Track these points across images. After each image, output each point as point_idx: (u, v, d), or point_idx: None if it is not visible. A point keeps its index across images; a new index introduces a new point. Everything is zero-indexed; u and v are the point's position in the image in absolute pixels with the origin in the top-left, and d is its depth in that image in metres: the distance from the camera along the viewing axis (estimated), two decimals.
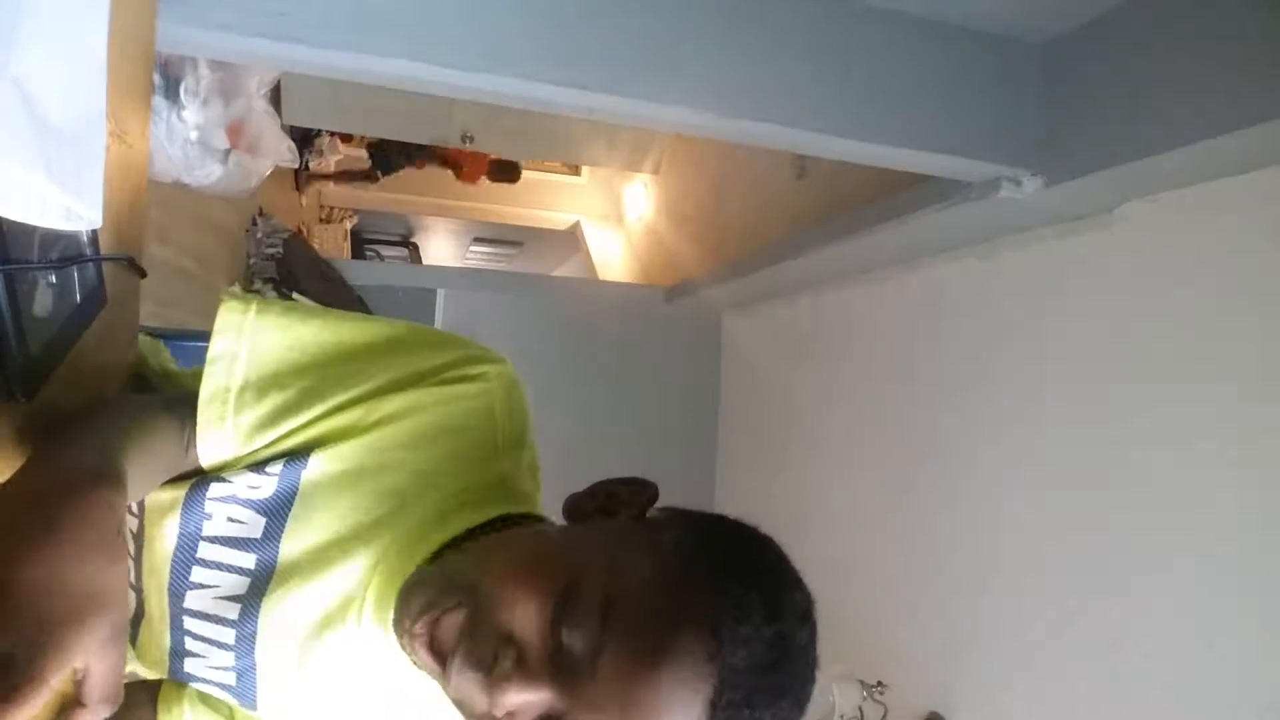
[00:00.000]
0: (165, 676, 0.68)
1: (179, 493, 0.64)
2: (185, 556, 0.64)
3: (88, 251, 0.58)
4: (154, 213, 0.73)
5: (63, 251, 0.55)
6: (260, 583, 0.63)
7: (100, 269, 0.61)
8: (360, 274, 4.13)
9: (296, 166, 4.22)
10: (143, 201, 0.72)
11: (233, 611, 0.63)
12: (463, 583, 0.54)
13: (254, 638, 0.63)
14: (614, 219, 5.94)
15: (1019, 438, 2.33)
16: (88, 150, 0.53)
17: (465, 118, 4.63)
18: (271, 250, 3.61)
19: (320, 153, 5.15)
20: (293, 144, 2.95)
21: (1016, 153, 1.91)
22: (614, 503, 0.61)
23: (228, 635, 0.64)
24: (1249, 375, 1.74)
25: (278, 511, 0.62)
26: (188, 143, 2.35)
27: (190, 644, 0.65)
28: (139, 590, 0.67)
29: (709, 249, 4.25)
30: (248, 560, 0.63)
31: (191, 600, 0.64)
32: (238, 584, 0.63)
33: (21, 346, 0.49)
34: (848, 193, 2.81)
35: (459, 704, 0.52)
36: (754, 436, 3.99)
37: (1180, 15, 1.61)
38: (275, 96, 3.87)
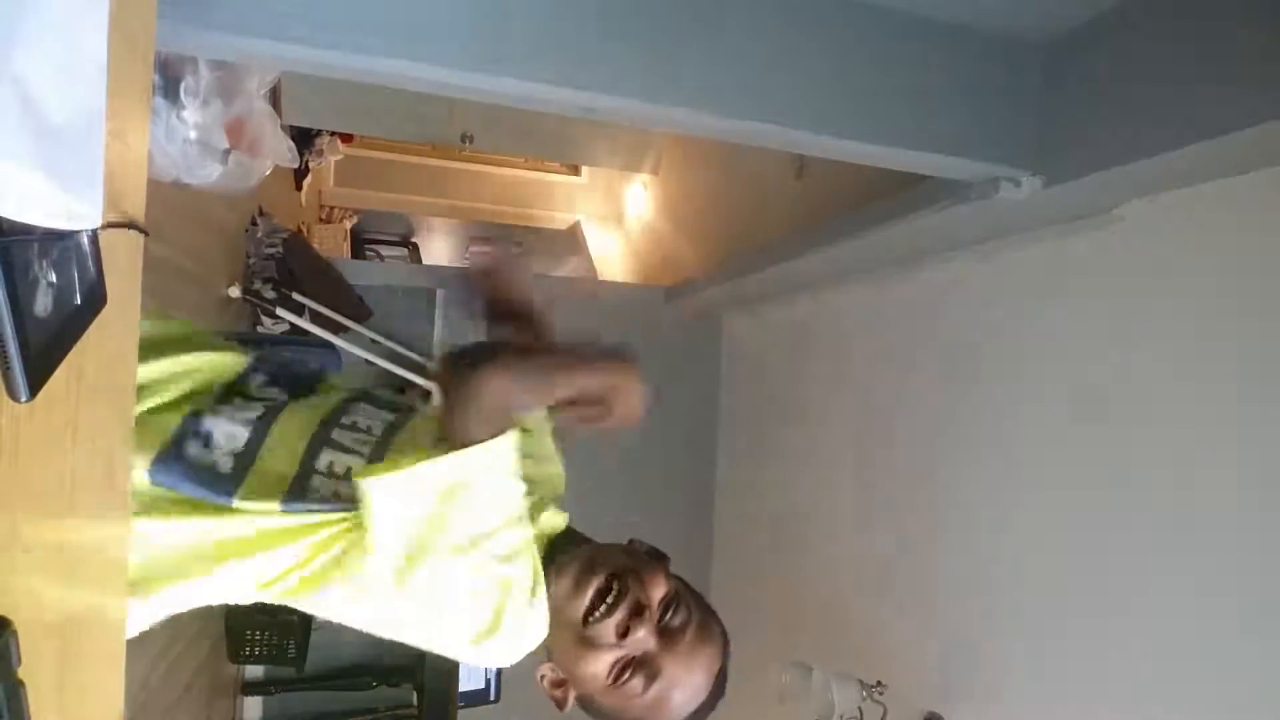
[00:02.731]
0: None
1: None
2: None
3: (88, 252, 0.58)
4: (154, 213, 0.73)
5: (62, 252, 0.55)
6: None
7: (100, 271, 0.61)
8: (360, 274, 4.13)
9: (296, 166, 4.22)
10: (142, 201, 0.72)
11: None
12: (623, 563, 0.91)
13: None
14: (614, 219, 5.94)
15: (1018, 437, 2.33)
16: (88, 150, 0.53)
17: (465, 118, 4.63)
18: (271, 250, 3.61)
19: (320, 153, 5.15)
20: (292, 144, 2.95)
21: (1016, 153, 1.91)
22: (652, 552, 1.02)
23: None
24: (1249, 375, 1.74)
25: None
26: (187, 142, 2.35)
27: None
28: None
29: (709, 249, 4.25)
30: None
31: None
32: None
33: (21, 346, 0.49)
34: (848, 193, 2.81)
35: (595, 636, 0.87)
36: (754, 436, 3.99)
37: (1180, 15, 1.61)
38: (275, 96, 3.88)
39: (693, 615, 0.90)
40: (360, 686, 3.84)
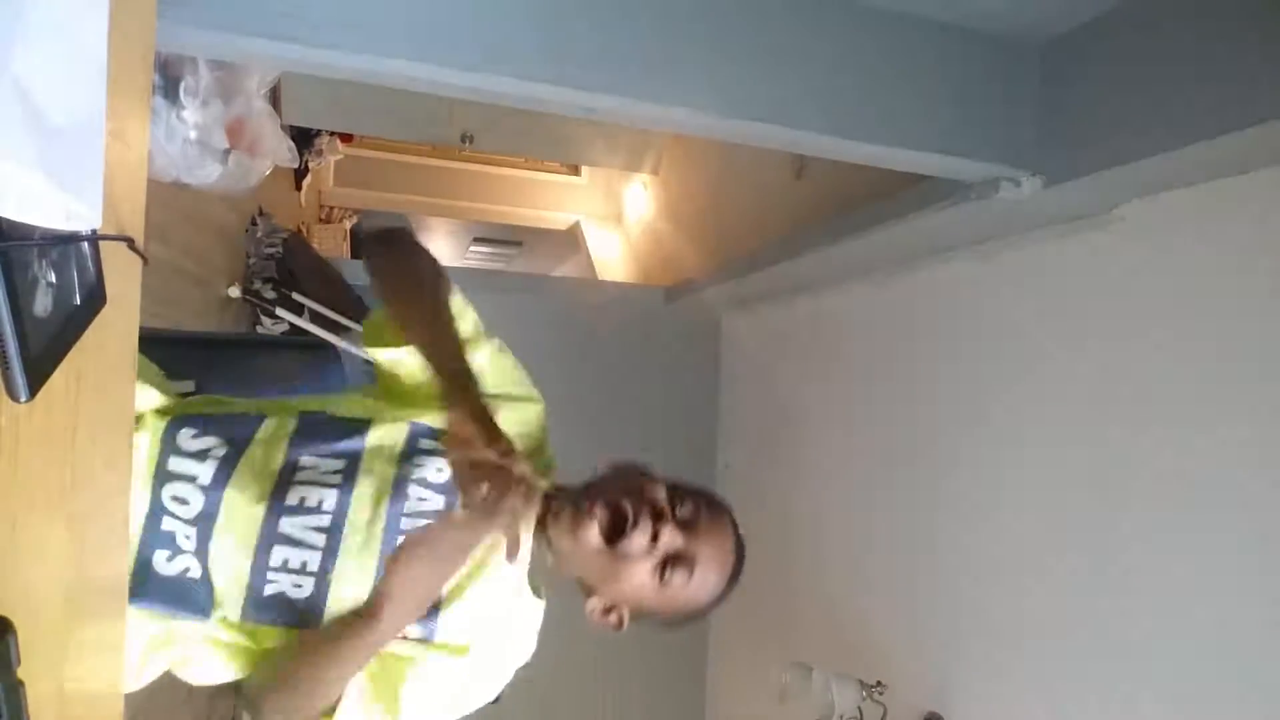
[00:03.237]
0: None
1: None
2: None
3: (88, 252, 0.58)
4: (154, 213, 0.73)
5: (61, 253, 0.55)
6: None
7: (100, 272, 0.61)
8: (360, 274, 4.12)
9: (296, 166, 4.22)
10: (142, 201, 0.72)
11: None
12: (622, 484, 0.96)
13: None
14: (614, 219, 5.94)
15: (1018, 437, 2.33)
16: (88, 150, 0.53)
17: (465, 118, 4.63)
18: (271, 250, 3.61)
19: (320, 152, 5.15)
20: (292, 144, 2.95)
21: (1016, 153, 1.91)
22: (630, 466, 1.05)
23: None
24: (1248, 374, 1.74)
25: None
26: (187, 142, 2.35)
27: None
28: None
29: (709, 249, 4.25)
30: None
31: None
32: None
33: (21, 347, 0.49)
34: (847, 193, 2.81)
35: (629, 552, 0.91)
36: (754, 436, 3.99)
37: (1180, 16, 1.61)
38: (275, 96, 3.88)
39: (697, 498, 0.97)
40: None
